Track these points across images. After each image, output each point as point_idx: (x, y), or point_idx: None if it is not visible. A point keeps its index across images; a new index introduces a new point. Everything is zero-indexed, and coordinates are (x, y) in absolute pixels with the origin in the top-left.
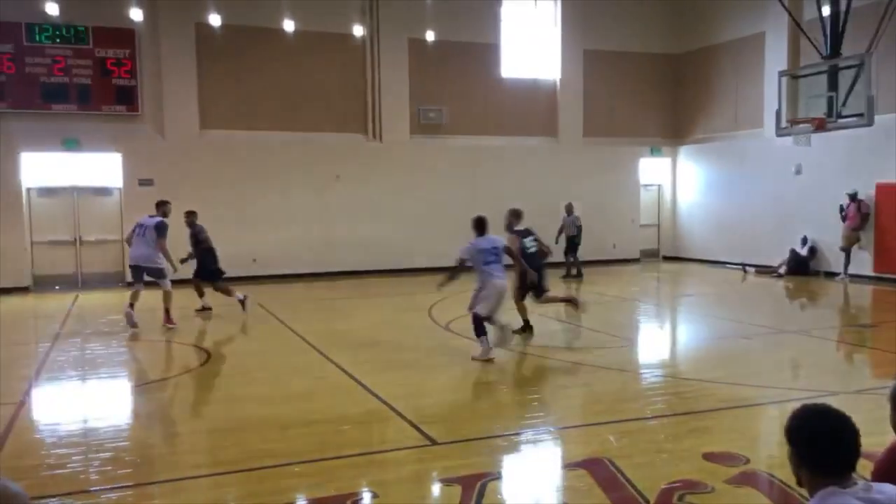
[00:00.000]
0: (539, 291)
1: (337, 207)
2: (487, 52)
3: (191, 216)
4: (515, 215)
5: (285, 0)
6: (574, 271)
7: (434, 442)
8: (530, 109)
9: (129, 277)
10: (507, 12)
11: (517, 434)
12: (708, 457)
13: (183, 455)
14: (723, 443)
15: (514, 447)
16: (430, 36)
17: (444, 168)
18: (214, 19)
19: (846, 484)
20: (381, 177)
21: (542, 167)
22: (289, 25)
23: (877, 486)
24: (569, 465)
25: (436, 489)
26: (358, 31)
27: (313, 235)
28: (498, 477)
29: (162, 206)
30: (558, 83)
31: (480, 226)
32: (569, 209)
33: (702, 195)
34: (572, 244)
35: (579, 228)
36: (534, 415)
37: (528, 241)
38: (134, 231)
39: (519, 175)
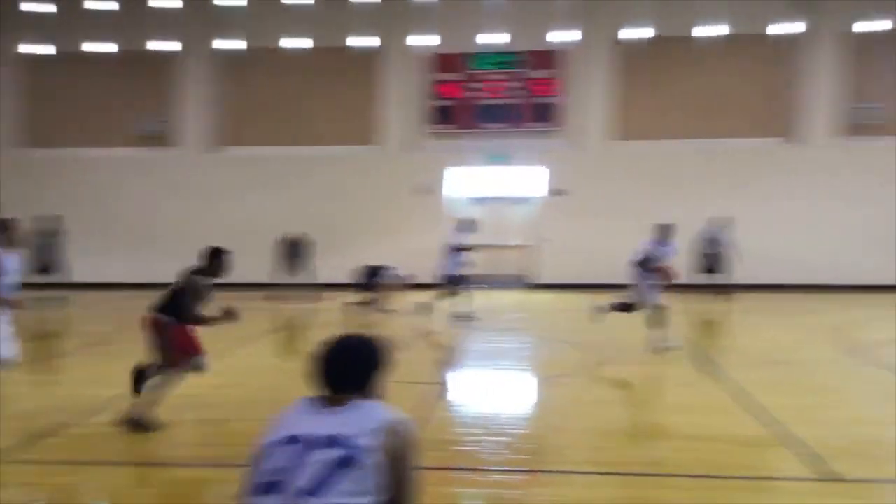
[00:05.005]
0: None
1: (748, 215)
2: None
3: None
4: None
5: (708, 7)
6: None
7: (837, 478)
8: None
9: None
10: None
11: None
12: None
13: (572, 450)
14: None
15: None
16: (878, 26)
17: (878, 172)
18: (635, 34)
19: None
20: (800, 182)
21: None
22: (707, 31)
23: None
24: None
25: None
26: (787, 28)
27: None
28: None
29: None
30: None
31: None
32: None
33: None
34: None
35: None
36: None
37: None
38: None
39: None
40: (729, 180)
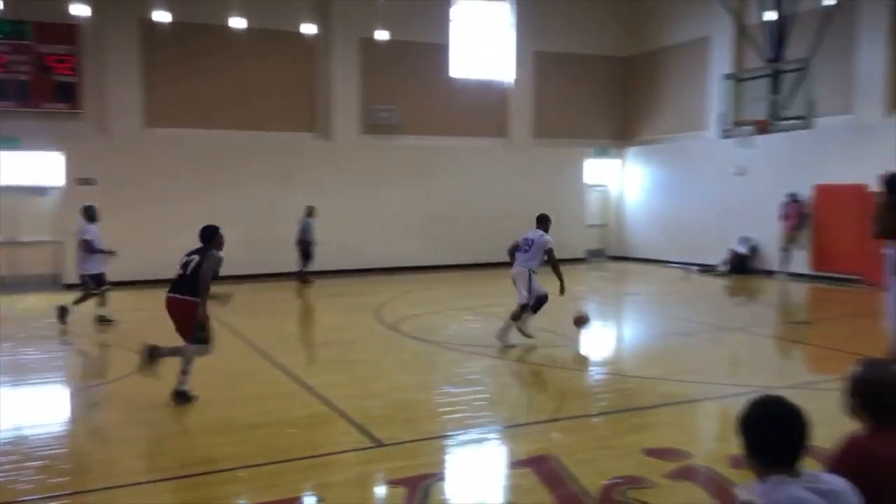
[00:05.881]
0: None
1: (285, 207)
2: (439, 52)
3: None
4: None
5: None
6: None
7: (380, 443)
8: (481, 110)
9: None
10: (458, 13)
11: (463, 434)
12: (649, 452)
13: (120, 462)
14: (664, 438)
15: (460, 447)
16: (381, 35)
17: (394, 168)
18: (161, 15)
19: (793, 473)
20: (330, 176)
21: (492, 168)
22: (238, 23)
23: (823, 475)
24: (514, 464)
25: (381, 491)
26: (309, 29)
27: (260, 235)
28: (443, 477)
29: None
30: (509, 84)
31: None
32: (310, 212)
33: (647, 195)
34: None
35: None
36: (480, 414)
37: None
38: None
39: (470, 175)
40: (266, 172)
